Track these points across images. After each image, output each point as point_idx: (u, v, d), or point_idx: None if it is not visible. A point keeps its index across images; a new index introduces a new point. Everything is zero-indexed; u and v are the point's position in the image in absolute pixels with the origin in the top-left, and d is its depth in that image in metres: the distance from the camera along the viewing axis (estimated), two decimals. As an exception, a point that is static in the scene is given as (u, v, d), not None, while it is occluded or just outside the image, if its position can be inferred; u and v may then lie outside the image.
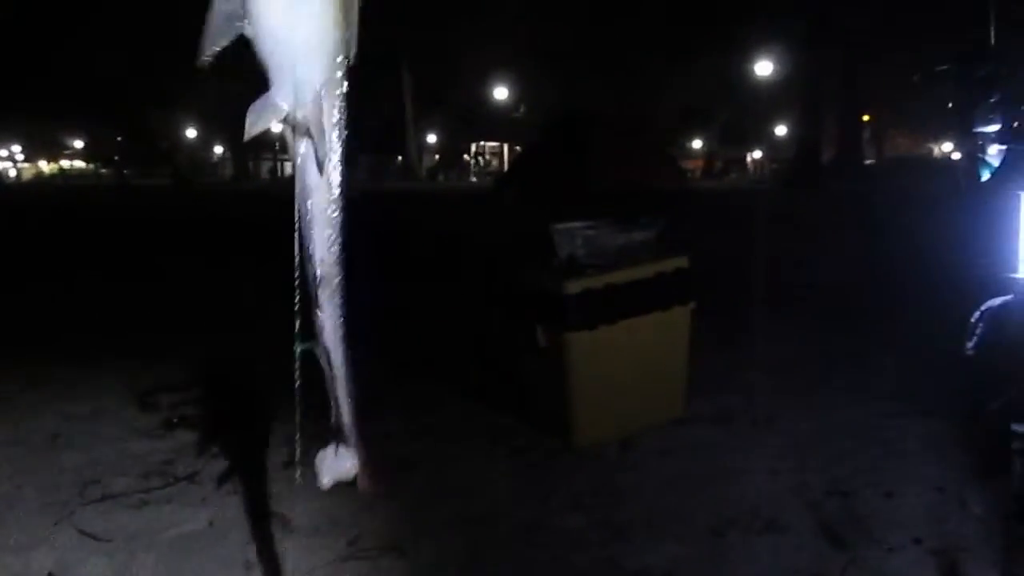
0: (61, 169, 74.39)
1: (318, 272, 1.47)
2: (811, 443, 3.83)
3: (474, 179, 51.82)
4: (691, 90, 44.54)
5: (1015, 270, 2.62)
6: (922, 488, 3.31)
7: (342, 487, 1.80)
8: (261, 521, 3.12)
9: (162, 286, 8.77)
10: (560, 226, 3.99)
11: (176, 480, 3.62)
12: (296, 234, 1.46)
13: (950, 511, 3.12)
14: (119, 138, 61.19)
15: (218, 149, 69.10)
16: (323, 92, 1.34)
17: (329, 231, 1.43)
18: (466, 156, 58.40)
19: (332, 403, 1.65)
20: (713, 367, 4.85)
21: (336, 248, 1.44)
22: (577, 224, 3.98)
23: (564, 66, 41.31)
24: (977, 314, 2.80)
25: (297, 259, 1.49)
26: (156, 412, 4.53)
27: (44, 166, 77.23)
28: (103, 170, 68.00)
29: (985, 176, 3.02)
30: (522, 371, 4.22)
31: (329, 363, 1.55)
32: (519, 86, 47.87)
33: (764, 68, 39.84)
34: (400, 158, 53.28)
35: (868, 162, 45.79)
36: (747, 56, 40.37)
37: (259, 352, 5.61)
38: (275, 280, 2.03)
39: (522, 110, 48.67)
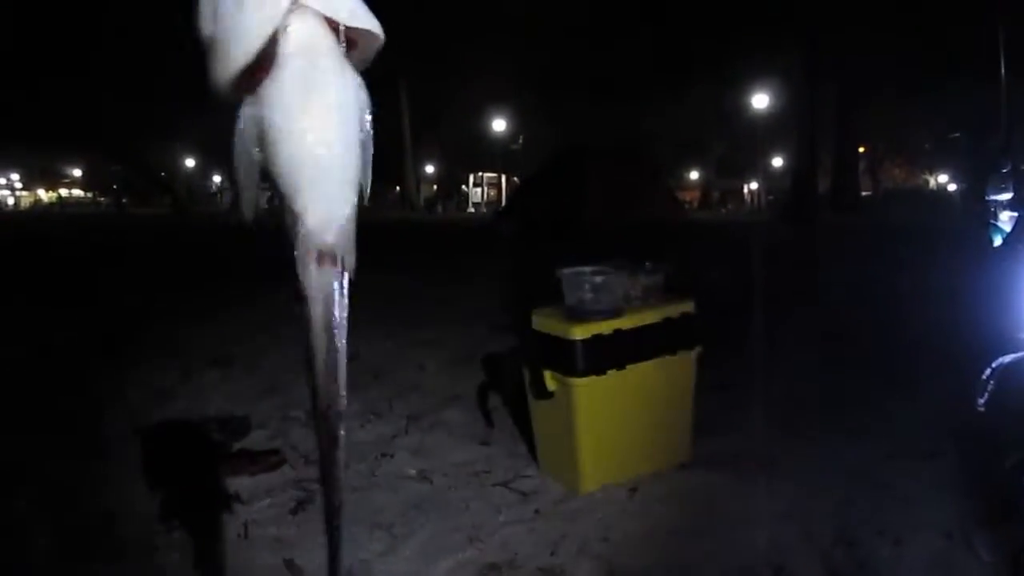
0: (59, 197, 74.63)
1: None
2: (817, 488, 3.85)
3: (472, 210, 51.97)
4: (688, 122, 44.88)
5: (1027, 330, 2.70)
6: (930, 534, 3.32)
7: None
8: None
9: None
10: (567, 271, 4.03)
11: None
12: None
13: (959, 557, 3.14)
14: (116, 167, 61.35)
15: (216, 178, 69.37)
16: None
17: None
18: (464, 187, 58.61)
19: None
20: (716, 408, 4.87)
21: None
22: (584, 269, 4.02)
23: (562, 98, 41.63)
24: (988, 371, 2.85)
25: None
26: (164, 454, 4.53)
27: (43, 194, 77.47)
28: (101, 199, 68.27)
29: (997, 241, 3.10)
30: (530, 415, 4.25)
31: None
32: (517, 118, 48.18)
33: (760, 101, 40.20)
34: (398, 188, 53.46)
35: (864, 194, 46.07)
36: (743, 89, 40.78)
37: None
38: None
39: (520, 141, 48.94)
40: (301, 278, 1.30)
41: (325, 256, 1.29)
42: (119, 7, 37.49)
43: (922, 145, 49.17)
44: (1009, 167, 2.90)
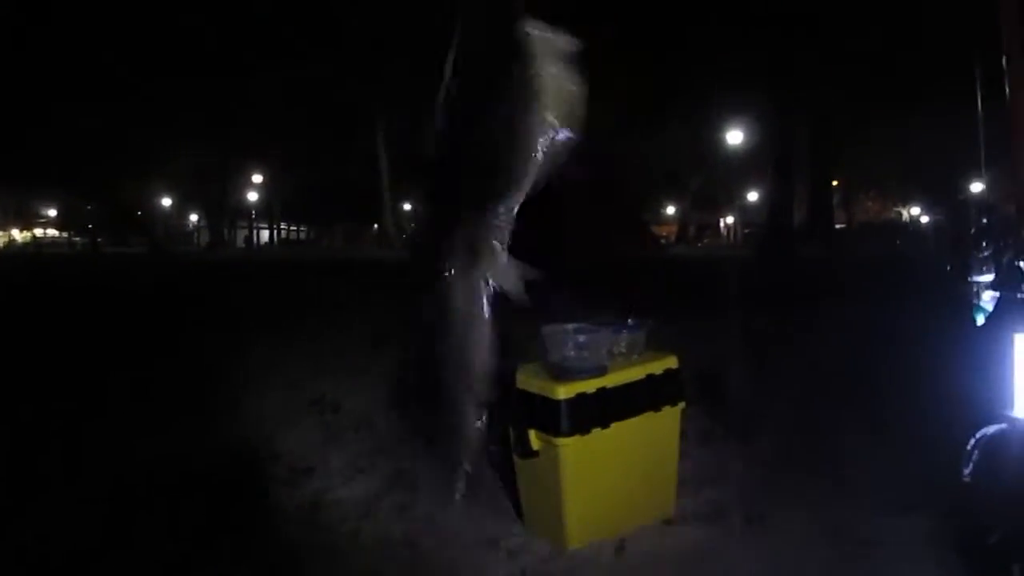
0: (34, 237, 74.00)
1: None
2: (805, 545, 3.85)
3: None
4: (663, 157, 45.27)
5: (1010, 407, 2.75)
6: (915, 594, 3.34)
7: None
8: None
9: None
10: (550, 328, 4.04)
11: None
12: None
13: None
14: (90, 207, 61.09)
15: (193, 217, 69.14)
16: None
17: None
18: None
19: None
20: (699, 459, 4.89)
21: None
22: (567, 326, 4.04)
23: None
24: (973, 441, 2.89)
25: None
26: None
27: (16, 234, 76.85)
28: (76, 238, 67.79)
29: (980, 320, 3.17)
30: (514, 472, 4.24)
31: None
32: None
33: (735, 137, 40.68)
34: (376, 226, 53.49)
35: (839, 226, 46.56)
36: (717, 124, 41.23)
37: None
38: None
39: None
40: None
41: None
42: (95, 47, 37.54)
43: (894, 177, 49.82)
44: (990, 251, 3.00)
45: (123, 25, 37.61)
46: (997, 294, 3.02)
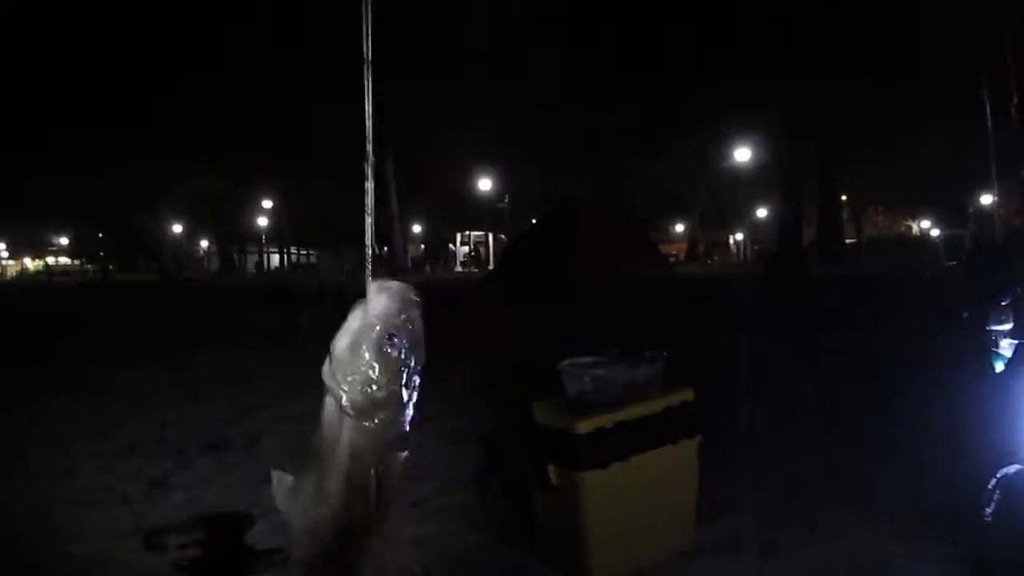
0: (46, 265, 74.39)
1: None
2: (822, 575, 3.85)
3: (459, 269, 52.02)
4: (672, 175, 45.37)
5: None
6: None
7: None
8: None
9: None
10: (567, 364, 4.05)
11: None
12: None
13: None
14: (102, 235, 61.41)
15: (204, 243, 69.43)
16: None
17: None
18: (451, 246, 58.76)
19: None
20: (716, 489, 4.87)
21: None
22: (584, 361, 4.05)
23: (546, 156, 42.06)
24: (994, 480, 2.89)
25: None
26: (163, 553, 4.49)
27: (29, 263, 77.34)
28: (88, 266, 68.15)
29: (999, 367, 3.20)
30: (533, 506, 4.24)
31: None
32: (503, 176, 48.53)
33: (743, 155, 40.68)
34: (385, 248, 53.57)
35: (848, 241, 46.53)
36: (726, 141, 41.26)
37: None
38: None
39: (507, 200, 49.23)
40: None
41: None
42: (105, 74, 37.85)
43: (903, 192, 49.70)
44: (1008, 300, 3.04)
45: (132, 52, 37.97)
46: (1016, 342, 3.06)
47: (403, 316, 1.76)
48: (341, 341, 1.75)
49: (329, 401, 1.80)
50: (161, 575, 4.22)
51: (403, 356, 1.78)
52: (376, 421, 1.78)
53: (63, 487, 5.70)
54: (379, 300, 1.77)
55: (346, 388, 1.73)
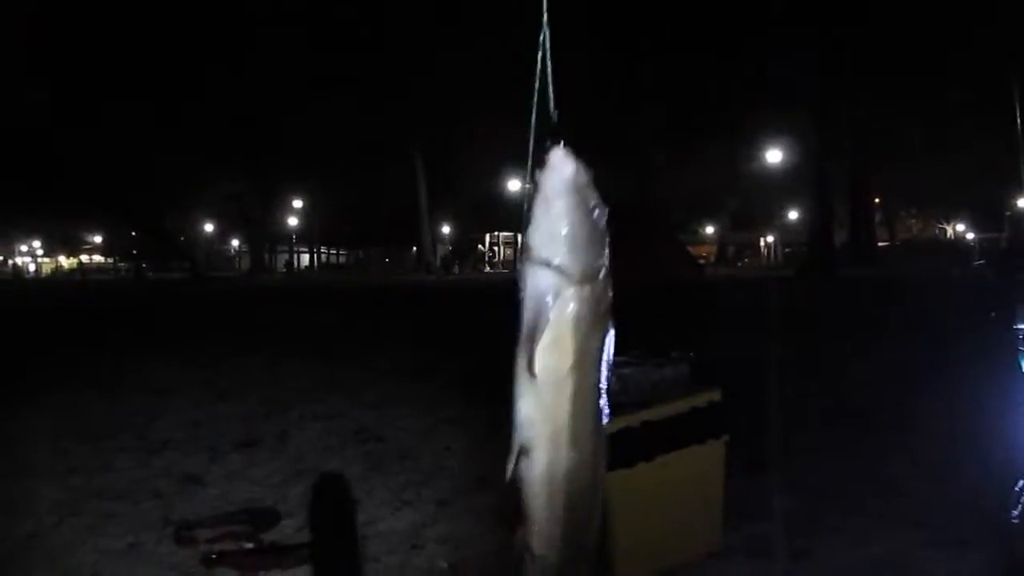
0: (80, 263, 75.45)
1: None
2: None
3: (488, 269, 52.12)
4: (702, 177, 45.12)
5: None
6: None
7: None
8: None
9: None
10: (594, 362, 4.04)
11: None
12: None
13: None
14: (134, 233, 62.18)
15: (235, 242, 70.04)
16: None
17: None
18: (480, 247, 58.85)
19: None
20: (744, 491, 4.85)
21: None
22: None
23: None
24: (1021, 483, 2.86)
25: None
26: (193, 547, 4.53)
27: (63, 261, 78.38)
28: (121, 264, 69.02)
29: None
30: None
31: None
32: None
33: (774, 156, 40.41)
34: (414, 249, 53.79)
35: (881, 244, 46.08)
36: (756, 143, 41.03)
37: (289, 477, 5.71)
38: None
39: (536, 200, 49.18)
40: None
41: None
42: (139, 75, 38.33)
43: (938, 195, 49.13)
44: None
45: (165, 55, 38.43)
46: None
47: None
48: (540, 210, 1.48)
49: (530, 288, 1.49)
50: (190, 569, 4.25)
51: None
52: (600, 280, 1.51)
53: (96, 482, 5.78)
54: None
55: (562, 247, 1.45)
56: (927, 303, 14.08)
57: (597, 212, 1.50)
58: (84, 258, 76.87)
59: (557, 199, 1.47)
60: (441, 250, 57.03)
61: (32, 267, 77.41)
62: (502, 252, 56.43)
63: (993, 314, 3.33)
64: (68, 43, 38.10)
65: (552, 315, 1.48)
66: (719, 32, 33.89)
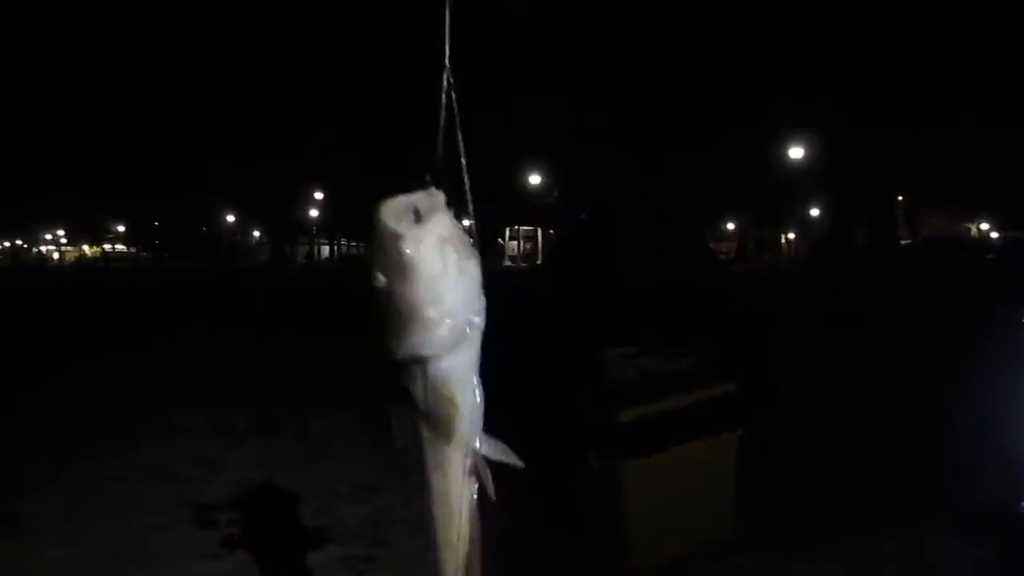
0: (103, 252, 76.09)
1: None
2: (864, 573, 3.84)
3: (508, 263, 52.12)
4: (723, 172, 44.91)
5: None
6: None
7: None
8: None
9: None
10: (611, 352, 4.09)
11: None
12: None
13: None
14: (157, 223, 62.63)
15: (256, 233, 70.39)
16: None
17: None
18: (500, 240, 58.84)
19: None
20: (758, 480, 4.87)
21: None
22: (628, 350, 4.08)
23: (597, 151, 41.94)
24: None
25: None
26: (213, 529, 4.61)
27: (87, 249, 79.09)
28: (144, 253, 69.59)
29: None
30: (573, 493, 4.28)
31: None
32: (553, 171, 48.47)
33: (796, 152, 40.17)
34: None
35: (904, 242, 45.72)
36: (778, 139, 40.80)
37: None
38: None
39: (555, 195, 49.20)
40: None
41: None
42: (165, 75, 38.64)
43: (962, 193, 48.66)
44: None
45: (189, 51, 38.71)
46: None
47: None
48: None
49: None
50: (210, 550, 4.33)
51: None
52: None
53: (123, 463, 5.89)
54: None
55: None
56: (943, 298, 14.04)
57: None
58: (107, 247, 77.50)
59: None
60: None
61: (56, 255, 78.16)
62: (521, 245, 56.45)
63: (1005, 309, 3.34)
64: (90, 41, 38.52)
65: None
66: (741, 27, 33.83)
